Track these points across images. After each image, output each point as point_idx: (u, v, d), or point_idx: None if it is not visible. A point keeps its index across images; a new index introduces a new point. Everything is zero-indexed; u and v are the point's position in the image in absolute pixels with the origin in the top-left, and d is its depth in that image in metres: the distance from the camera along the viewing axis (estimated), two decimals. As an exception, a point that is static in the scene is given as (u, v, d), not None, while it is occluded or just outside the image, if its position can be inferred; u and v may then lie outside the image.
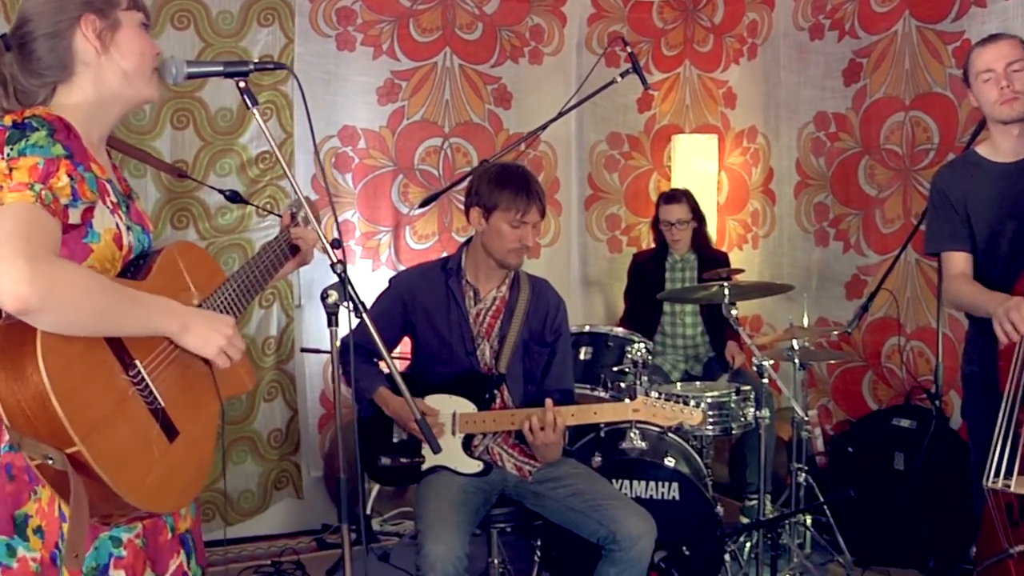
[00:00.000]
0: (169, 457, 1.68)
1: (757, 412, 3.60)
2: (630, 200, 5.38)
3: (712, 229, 5.09)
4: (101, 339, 1.59)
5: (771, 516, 3.61)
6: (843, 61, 4.61)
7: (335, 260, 2.01)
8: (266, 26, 4.30)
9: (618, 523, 2.75)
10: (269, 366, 4.41)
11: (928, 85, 4.20)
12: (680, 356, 4.63)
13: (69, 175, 1.59)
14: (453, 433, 2.96)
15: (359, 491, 3.92)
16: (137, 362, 1.65)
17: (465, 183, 3.34)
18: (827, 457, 4.48)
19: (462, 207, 3.31)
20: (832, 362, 4.64)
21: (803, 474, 3.79)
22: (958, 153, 3.43)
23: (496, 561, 3.20)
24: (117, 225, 1.71)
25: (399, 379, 2.05)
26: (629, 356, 3.71)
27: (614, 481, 3.34)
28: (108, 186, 1.73)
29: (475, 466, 2.95)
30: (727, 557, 3.45)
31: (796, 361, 3.74)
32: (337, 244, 2.04)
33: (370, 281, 4.48)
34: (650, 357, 3.74)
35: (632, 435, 3.51)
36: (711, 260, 4.49)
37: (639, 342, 3.78)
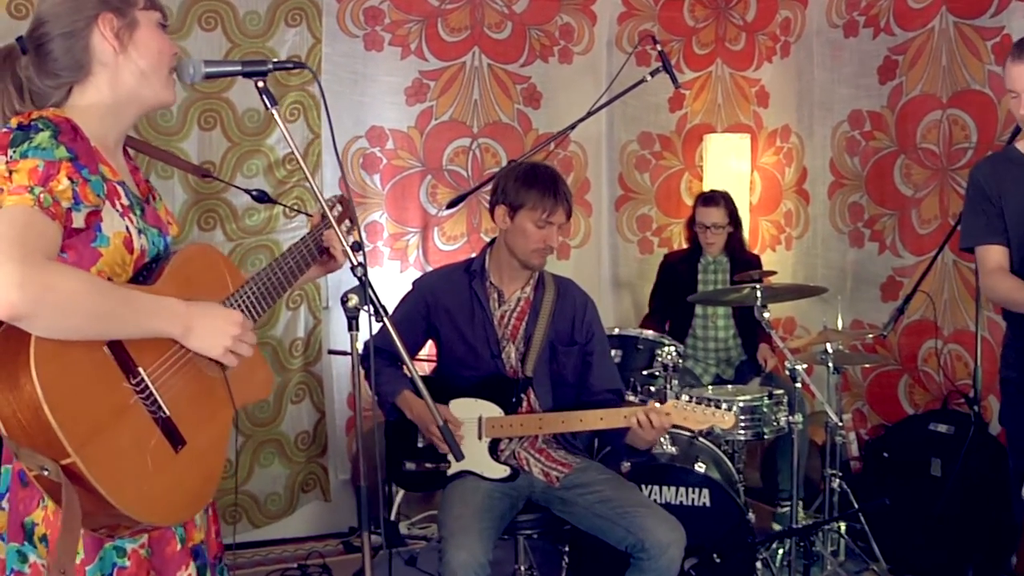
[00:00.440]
0: (173, 468, 1.63)
1: (790, 417, 3.53)
2: (661, 200, 5.31)
3: (745, 230, 5.00)
4: (102, 346, 1.55)
5: (804, 523, 3.54)
6: (878, 58, 4.52)
7: (356, 263, 1.98)
8: (293, 26, 4.28)
9: (647, 531, 2.69)
10: (296, 368, 4.39)
11: (966, 82, 4.10)
12: (712, 360, 4.56)
13: (70, 178, 1.55)
14: (479, 438, 2.92)
15: (381, 495, 3.90)
16: (140, 369, 1.60)
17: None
18: (862, 462, 4.39)
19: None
20: (867, 366, 4.56)
21: (837, 480, 3.71)
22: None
23: (523, 567, 3.16)
24: (127, 228, 1.68)
25: (420, 384, 2.01)
26: (659, 359, 3.67)
27: (643, 487, 3.29)
28: (120, 188, 1.70)
29: (501, 471, 2.91)
30: (759, 565, 3.39)
31: (830, 365, 3.67)
32: (358, 247, 2.01)
33: (398, 283, 4.45)
34: (680, 360, 3.68)
35: (662, 440, 3.45)
36: (744, 263, 4.41)
37: (669, 345, 3.73)
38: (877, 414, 4.59)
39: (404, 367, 3.11)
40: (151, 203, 1.84)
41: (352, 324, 2.01)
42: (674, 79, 3.65)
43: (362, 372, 2.06)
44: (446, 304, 3.04)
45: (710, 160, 5.22)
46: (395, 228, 4.67)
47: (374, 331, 2.03)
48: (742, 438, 3.71)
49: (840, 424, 3.56)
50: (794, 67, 5.06)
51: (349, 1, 4.43)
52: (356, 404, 2.01)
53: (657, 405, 2.81)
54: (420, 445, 2.99)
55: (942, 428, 3.90)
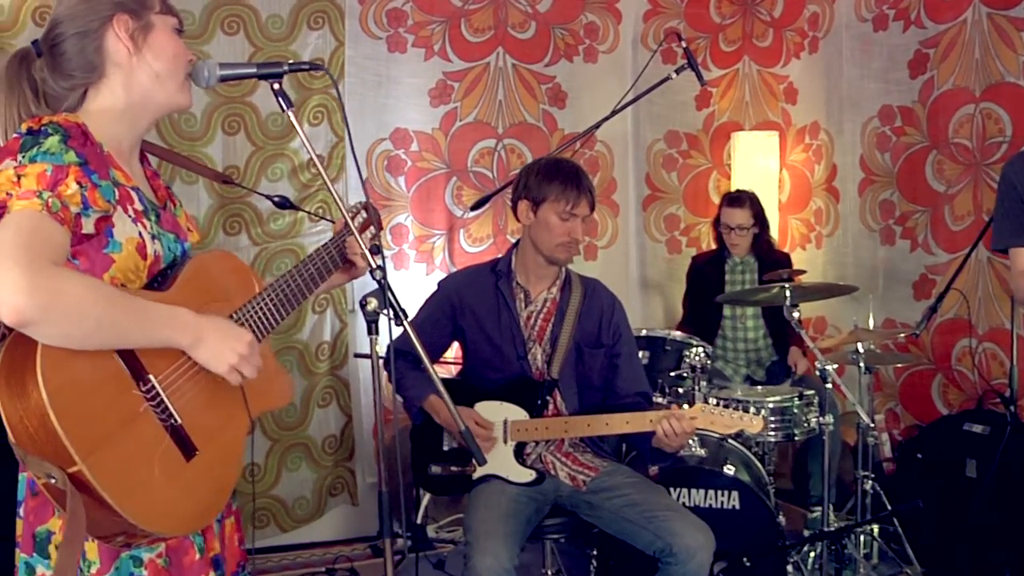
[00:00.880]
0: (184, 477, 1.60)
1: (820, 418, 3.47)
2: (689, 200, 5.26)
3: (774, 228, 4.95)
4: (111, 352, 1.53)
5: (836, 526, 3.48)
6: (908, 52, 4.44)
7: (374, 266, 1.95)
8: (316, 29, 4.28)
9: (675, 535, 2.65)
10: (323, 372, 4.38)
11: (1000, 75, 4.02)
12: (742, 360, 4.50)
13: (79, 182, 1.54)
14: (504, 441, 2.89)
15: (402, 498, 3.89)
16: (151, 376, 1.57)
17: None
18: (895, 463, 4.32)
19: (512, 205, 3.23)
20: (900, 365, 4.48)
21: (869, 482, 3.65)
22: (1033, 145, 3.27)
23: (551, 572, 3.13)
24: (140, 234, 1.65)
25: (439, 386, 1.98)
26: (687, 361, 3.62)
27: (672, 490, 3.24)
28: (134, 194, 1.68)
29: (527, 475, 2.88)
30: (790, 568, 3.34)
31: (861, 365, 3.60)
32: (377, 250, 1.98)
33: (424, 285, 4.43)
34: (709, 362, 3.63)
35: (691, 441, 3.41)
36: (773, 262, 4.35)
37: (698, 346, 3.68)
38: (910, 414, 4.51)
39: (436, 367, 3.10)
40: (168, 209, 1.82)
41: (372, 328, 1.98)
42: (700, 76, 3.60)
43: (385, 375, 2.03)
44: (472, 305, 3.01)
45: (738, 158, 5.17)
46: (421, 230, 4.65)
47: (394, 335, 2.00)
48: (772, 440, 3.65)
49: (872, 425, 3.50)
50: (823, 63, 4.99)
51: (372, 3, 4.42)
52: (376, 408, 1.99)
53: (688, 406, 2.78)
54: (446, 448, 2.97)
55: (977, 428, 3.83)
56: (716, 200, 5.03)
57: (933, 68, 4.34)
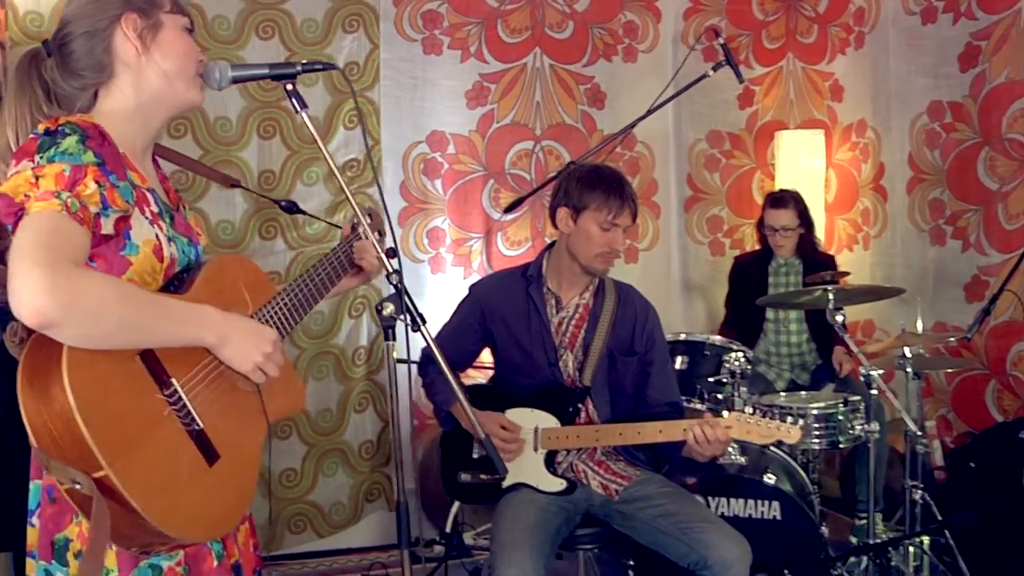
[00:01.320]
0: (207, 482, 1.59)
1: (866, 425, 3.35)
2: (732, 200, 5.15)
3: (820, 229, 4.83)
4: (134, 355, 1.51)
5: (883, 537, 3.36)
6: (959, 45, 4.32)
7: (391, 271, 1.90)
8: (351, 32, 4.25)
9: (709, 547, 2.57)
10: (359, 377, 4.36)
11: (1056, 67, 3.89)
12: (785, 365, 4.39)
13: (98, 182, 1.52)
14: (535, 449, 2.83)
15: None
16: (173, 380, 1.56)
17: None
18: (947, 472, 4.18)
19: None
20: (951, 370, 4.33)
21: (919, 492, 3.51)
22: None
23: (584, 582, 3.06)
24: (157, 236, 1.64)
25: (459, 392, 1.93)
26: (727, 366, 3.53)
27: (711, 499, 3.16)
28: (149, 195, 1.67)
29: (558, 484, 2.81)
30: (834, 581, 3.23)
31: (908, 370, 3.47)
32: (393, 254, 1.93)
33: (462, 289, 4.37)
34: (749, 367, 3.53)
35: (731, 449, 3.31)
36: (818, 264, 4.23)
37: (737, 351, 3.58)
38: (963, 421, 4.37)
39: (469, 371, 3.05)
40: (181, 211, 1.80)
41: (388, 334, 1.94)
42: (738, 74, 3.51)
43: (396, 381, 1.99)
44: (501, 310, 2.95)
45: (782, 158, 5.05)
46: (458, 234, 4.61)
47: (412, 340, 1.96)
48: (816, 447, 3.53)
49: (919, 433, 3.35)
50: (869, 58, 4.87)
51: (406, 5, 4.39)
52: (391, 416, 1.94)
53: (726, 414, 2.68)
54: (475, 456, 2.91)
55: (1033, 436, 3.68)
56: (760, 201, 4.91)
57: (985, 61, 4.21)
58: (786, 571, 3.02)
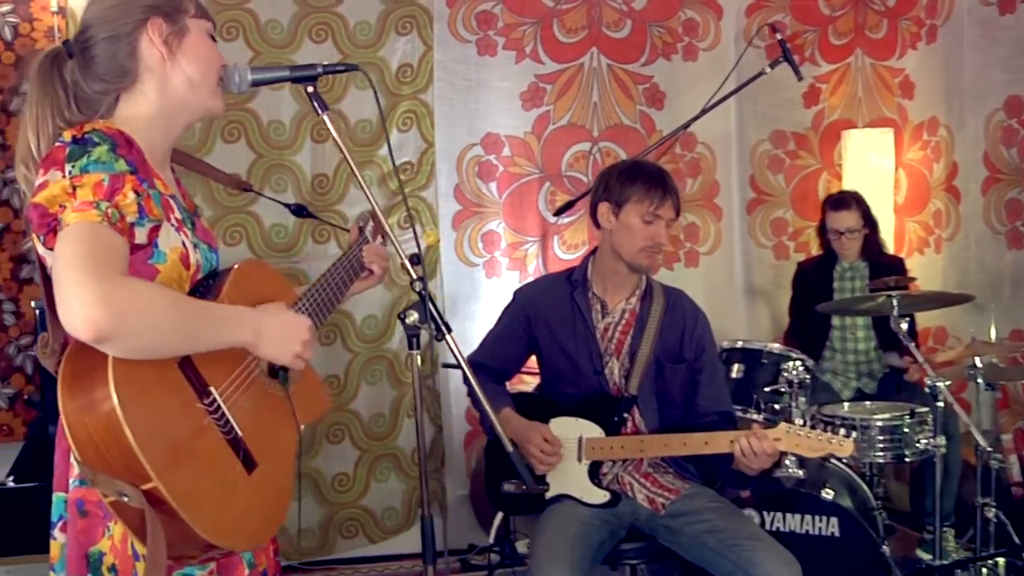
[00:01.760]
0: (248, 490, 1.58)
1: (933, 439, 3.19)
2: (797, 202, 4.98)
3: (889, 232, 4.64)
4: (174, 365, 1.50)
5: (952, 556, 3.19)
6: (1039, 36, 4.11)
7: (415, 277, 1.85)
8: (404, 34, 4.22)
9: (756, 566, 2.45)
10: (412, 382, 4.31)
11: None
12: (852, 373, 4.21)
13: (136, 191, 1.51)
14: (579, 459, 2.74)
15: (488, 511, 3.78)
16: (212, 389, 1.55)
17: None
18: (1024, 488, 3.98)
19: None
20: (1028, 381, 4.12)
21: (992, 510, 3.33)
22: None
23: (632, 597, 2.96)
24: (183, 243, 1.63)
25: (483, 399, 1.87)
26: (785, 375, 3.39)
27: (765, 514, 3.04)
28: (172, 202, 1.65)
29: (602, 496, 2.72)
30: (895, 602, 3.08)
31: (979, 381, 3.29)
32: (416, 260, 1.88)
33: (516, 294, 4.33)
34: (808, 376, 3.39)
35: (788, 461, 3.18)
36: (885, 267, 4.06)
37: (796, 359, 3.44)
38: (1042, 434, 4.16)
39: (522, 377, 2.97)
40: (199, 217, 1.77)
41: (413, 343, 1.89)
42: (796, 70, 3.37)
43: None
44: (546, 316, 2.88)
45: (850, 158, 4.87)
46: (513, 237, 4.54)
47: (435, 348, 1.90)
48: (880, 460, 3.38)
49: (990, 449, 3.17)
50: (942, 53, 4.65)
51: (460, 6, 4.34)
52: (419, 425, 1.88)
53: (781, 424, 2.56)
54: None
55: (1118, 451, 3.47)
56: (828, 203, 4.75)
57: (1068, 52, 4.00)
58: (843, 591, 2.89)
